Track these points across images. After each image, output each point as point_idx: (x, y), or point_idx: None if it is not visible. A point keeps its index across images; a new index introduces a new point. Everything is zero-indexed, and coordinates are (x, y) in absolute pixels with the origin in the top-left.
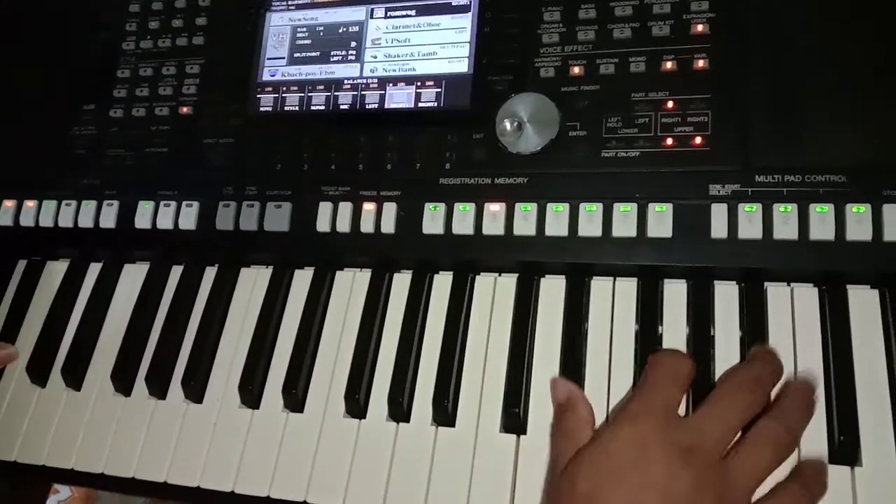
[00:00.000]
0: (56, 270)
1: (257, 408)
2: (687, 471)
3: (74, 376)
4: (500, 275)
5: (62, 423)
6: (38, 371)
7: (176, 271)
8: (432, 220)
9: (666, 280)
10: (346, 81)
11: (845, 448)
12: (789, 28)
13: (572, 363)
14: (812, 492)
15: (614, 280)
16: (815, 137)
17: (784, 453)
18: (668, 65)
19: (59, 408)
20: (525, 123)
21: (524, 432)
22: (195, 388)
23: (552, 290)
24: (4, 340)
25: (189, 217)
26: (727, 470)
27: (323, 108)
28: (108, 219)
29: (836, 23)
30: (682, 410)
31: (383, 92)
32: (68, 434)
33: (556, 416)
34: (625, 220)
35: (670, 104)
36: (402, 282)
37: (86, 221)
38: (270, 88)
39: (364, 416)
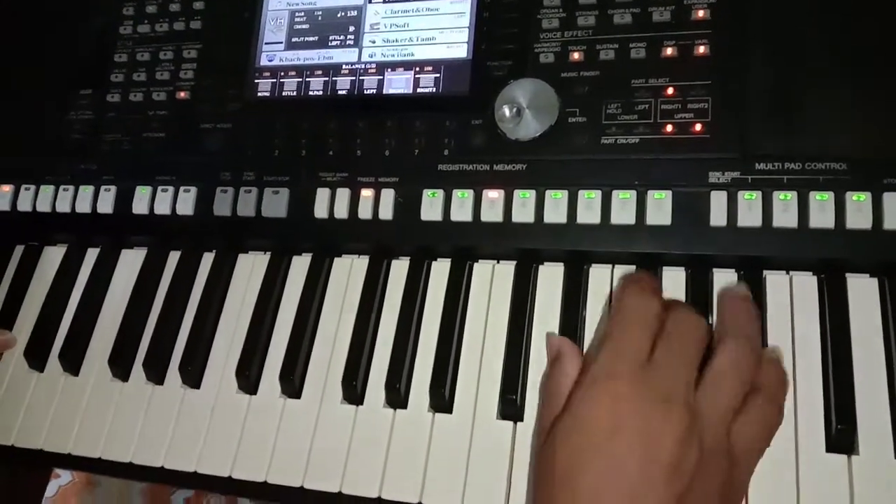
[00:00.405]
0: (53, 256)
1: (255, 393)
2: (668, 425)
3: (72, 361)
4: (498, 262)
5: (60, 408)
6: (36, 356)
7: (173, 257)
8: (430, 206)
9: (665, 268)
10: (344, 66)
11: (842, 436)
12: (791, 14)
13: None
14: (777, 400)
15: (613, 267)
16: (816, 125)
17: (751, 369)
18: (669, 51)
19: (56, 392)
20: (524, 109)
21: (521, 419)
22: (193, 374)
23: (550, 277)
24: (2, 326)
25: (187, 202)
26: (702, 405)
27: (321, 93)
28: (106, 204)
29: (837, 9)
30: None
31: (382, 77)
32: (66, 419)
33: (545, 373)
34: (624, 207)
35: (670, 90)
36: (399, 268)
37: (83, 207)
38: (268, 73)
39: (361, 403)
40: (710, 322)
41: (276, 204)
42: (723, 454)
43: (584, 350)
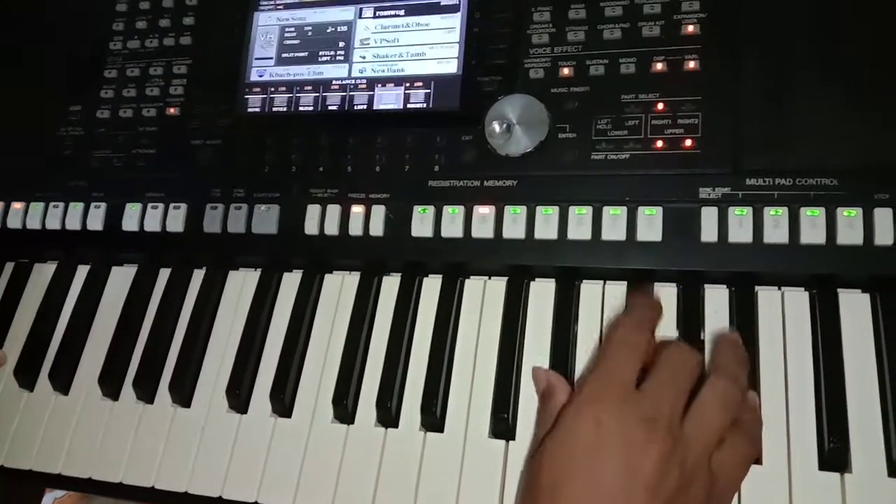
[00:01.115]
0: (44, 273)
1: (245, 412)
2: (651, 445)
3: (62, 381)
4: (489, 278)
5: (50, 428)
6: (26, 375)
7: (164, 274)
8: (421, 222)
9: (656, 284)
10: (334, 82)
11: (835, 454)
12: (781, 30)
13: (562, 367)
14: (755, 435)
15: (604, 284)
16: (807, 140)
17: (736, 407)
18: (659, 66)
19: (46, 412)
20: (514, 125)
21: (513, 438)
22: (183, 393)
23: (542, 293)
24: None
25: (177, 219)
26: (686, 434)
27: (311, 108)
28: (96, 221)
29: (828, 24)
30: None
31: (372, 93)
32: (56, 438)
33: (539, 404)
34: (614, 223)
35: (660, 106)
36: (390, 285)
37: (73, 223)
38: (258, 89)
39: (352, 422)
40: (703, 338)
41: (267, 220)
42: (703, 479)
43: (576, 376)
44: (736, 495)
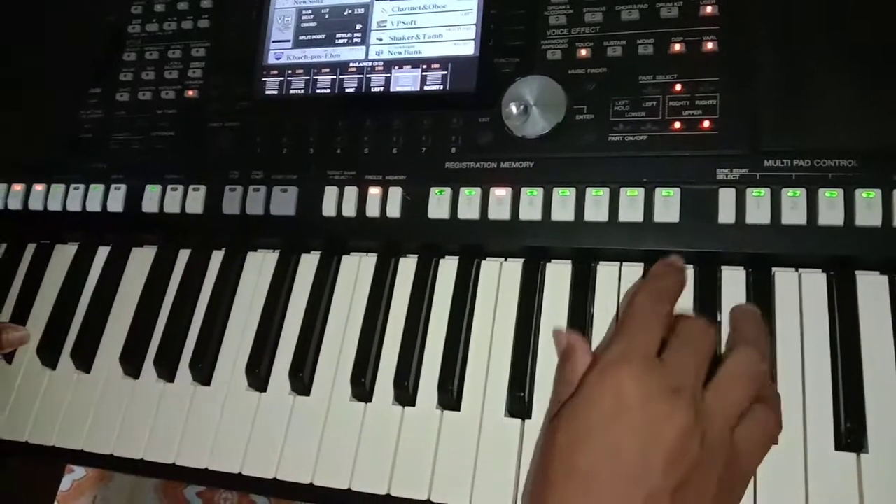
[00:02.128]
0: (65, 253)
1: (265, 391)
2: (673, 416)
3: (84, 359)
4: (505, 259)
5: (72, 405)
6: (49, 354)
7: (183, 255)
8: (438, 204)
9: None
10: (351, 64)
11: (852, 435)
12: (799, 10)
13: None
14: (778, 411)
15: (620, 265)
16: (825, 121)
17: (761, 381)
18: (677, 47)
19: (69, 390)
20: (531, 107)
21: (529, 416)
22: (203, 371)
23: (558, 275)
24: (15, 323)
25: (196, 201)
26: (709, 406)
27: (328, 91)
28: (116, 202)
29: (846, 4)
30: None
31: (389, 75)
32: (78, 416)
33: (558, 365)
34: (631, 204)
35: (678, 87)
36: (407, 266)
37: (94, 205)
38: (276, 72)
39: (370, 400)
40: (719, 319)
41: (285, 202)
42: (724, 453)
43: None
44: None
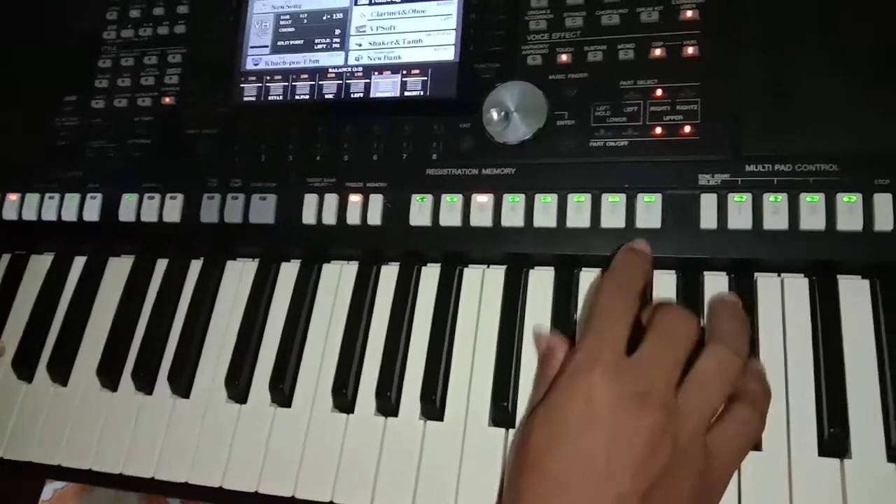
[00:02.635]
0: (41, 264)
1: (245, 402)
2: (642, 421)
3: (60, 372)
4: (488, 266)
5: (49, 419)
6: (24, 366)
7: (161, 264)
8: (419, 211)
9: (655, 271)
10: (330, 70)
11: (835, 440)
12: (780, 15)
13: None
14: (760, 408)
15: (603, 271)
16: (806, 126)
17: (734, 377)
18: (657, 52)
19: (45, 403)
20: (512, 112)
21: (513, 426)
22: (182, 383)
23: (541, 281)
24: None
25: (173, 209)
26: (681, 407)
27: (307, 97)
28: (92, 212)
29: (828, 10)
30: None
31: (368, 80)
32: (56, 430)
33: (537, 368)
34: (613, 210)
35: (659, 92)
36: (389, 274)
37: (69, 215)
38: (254, 78)
39: (352, 411)
40: (703, 325)
41: (264, 210)
42: (697, 455)
43: None
44: (736, 481)
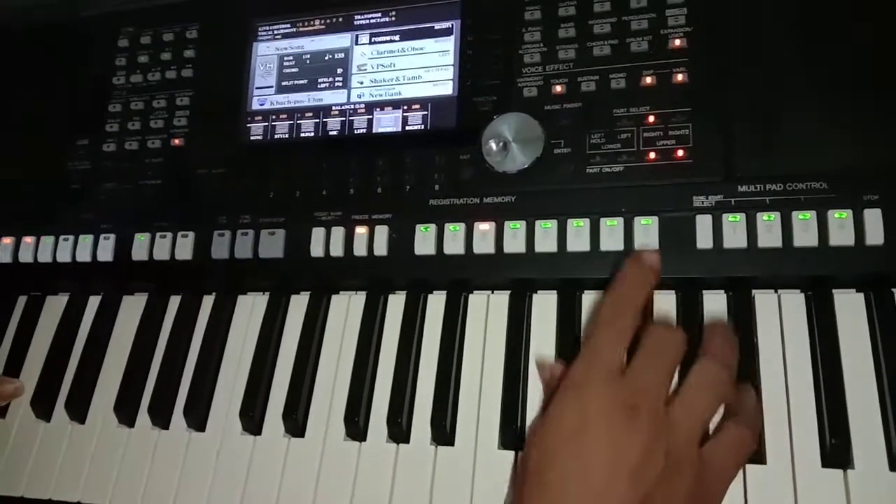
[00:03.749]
0: (56, 304)
1: (259, 434)
2: (634, 432)
3: (78, 410)
4: (492, 292)
5: (68, 457)
6: (42, 405)
7: (174, 301)
8: (424, 241)
9: (655, 291)
10: (334, 108)
11: (837, 451)
12: (766, 39)
13: None
14: (752, 425)
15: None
16: (796, 146)
17: (724, 391)
18: (648, 80)
19: (64, 441)
20: (510, 143)
21: (522, 448)
22: (197, 417)
23: (544, 305)
24: (8, 376)
25: (185, 247)
26: (672, 418)
27: (312, 134)
28: (106, 252)
29: (811, 33)
30: None
31: (371, 117)
32: (74, 467)
33: (543, 395)
34: (612, 234)
35: (652, 118)
36: (396, 303)
37: (83, 255)
38: (260, 117)
39: (364, 439)
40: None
41: (273, 245)
42: (689, 467)
43: None
44: (741, 494)
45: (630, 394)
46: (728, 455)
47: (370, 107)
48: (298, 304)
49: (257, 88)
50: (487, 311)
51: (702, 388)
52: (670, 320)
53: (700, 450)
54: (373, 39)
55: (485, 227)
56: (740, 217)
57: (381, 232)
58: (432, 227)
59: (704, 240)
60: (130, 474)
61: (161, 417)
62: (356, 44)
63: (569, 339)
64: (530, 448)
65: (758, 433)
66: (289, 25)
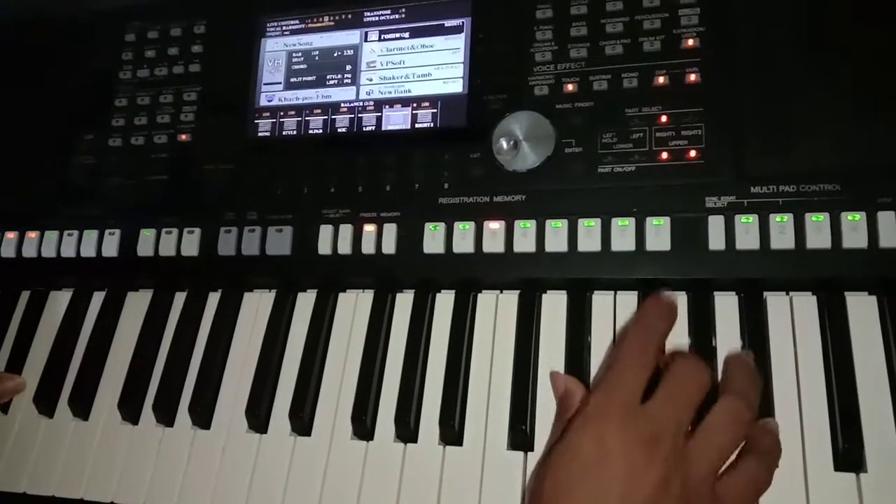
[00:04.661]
0: (60, 300)
1: (265, 432)
2: (651, 464)
3: (81, 406)
4: (501, 292)
5: (71, 453)
6: (45, 402)
7: (179, 298)
8: (433, 239)
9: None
10: (342, 105)
11: (849, 455)
12: (778, 39)
13: (576, 377)
14: (769, 464)
15: (615, 294)
16: (809, 147)
17: (745, 428)
18: (661, 79)
19: (67, 438)
20: (521, 141)
21: (531, 449)
22: (202, 415)
23: (554, 305)
24: (11, 372)
25: (191, 243)
26: (691, 453)
27: (320, 131)
28: (111, 248)
29: (823, 33)
30: None
31: (380, 114)
32: (77, 464)
33: (557, 410)
34: (623, 234)
35: (664, 118)
36: (404, 302)
37: (88, 251)
38: (268, 113)
39: (371, 438)
40: (714, 344)
41: (281, 242)
42: (705, 501)
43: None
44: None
45: (650, 426)
46: (742, 492)
47: (379, 104)
48: (305, 302)
49: (265, 85)
50: (496, 310)
51: (722, 427)
52: (682, 322)
53: (715, 485)
54: (382, 37)
55: (495, 226)
56: (753, 218)
57: (390, 230)
58: (441, 226)
59: (717, 241)
60: (134, 471)
61: (165, 414)
62: (365, 41)
63: (578, 339)
64: (546, 476)
65: (773, 471)
66: (298, 21)
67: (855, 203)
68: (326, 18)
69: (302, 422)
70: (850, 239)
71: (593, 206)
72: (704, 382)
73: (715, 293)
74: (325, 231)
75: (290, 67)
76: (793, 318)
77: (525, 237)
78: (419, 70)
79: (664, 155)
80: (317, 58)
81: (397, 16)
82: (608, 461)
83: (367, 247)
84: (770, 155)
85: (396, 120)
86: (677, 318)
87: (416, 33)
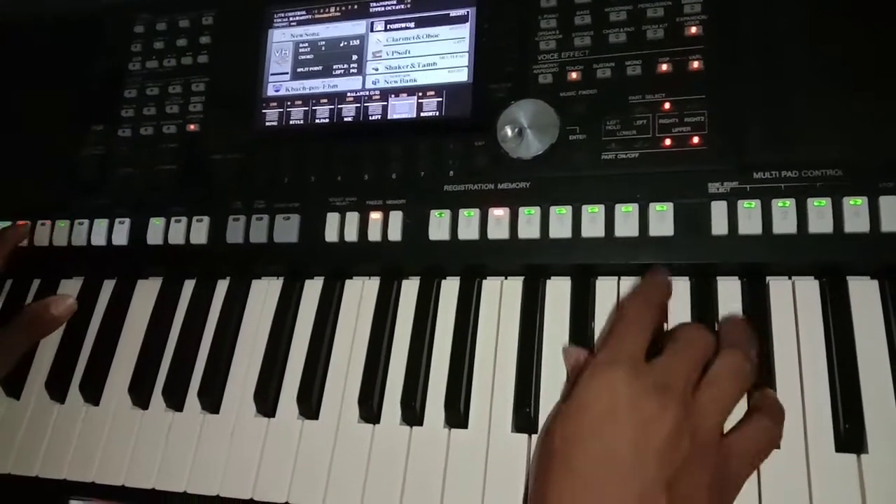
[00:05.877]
0: (70, 288)
1: (273, 416)
2: (662, 413)
3: (92, 392)
4: (506, 278)
5: (82, 438)
6: (57, 387)
7: (189, 285)
8: (438, 226)
9: (670, 277)
10: (348, 94)
11: (851, 436)
12: (781, 26)
13: None
14: (777, 421)
15: (619, 279)
16: (811, 132)
17: (747, 381)
18: (664, 67)
19: (78, 423)
20: (525, 129)
21: (535, 431)
22: (211, 399)
23: (558, 291)
24: (22, 360)
25: (200, 232)
26: (698, 405)
27: (327, 121)
28: (121, 236)
29: (827, 19)
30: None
31: (385, 103)
32: (88, 448)
33: (566, 381)
34: (627, 220)
35: (667, 105)
36: (410, 288)
37: (98, 240)
38: (275, 103)
39: (378, 421)
40: (717, 329)
41: (288, 230)
42: (715, 449)
43: None
44: (755, 479)
45: (660, 376)
46: (752, 444)
47: (385, 93)
48: (313, 289)
49: (272, 75)
50: (501, 296)
51: (726, 377)
52: (684, 307)
53: (724, 437)
54: (388, 26)
55: (499, 213)
56: (755, 203)
57: (396, 217)
58: (447, 213)
59: (719, 226)
60: (144, 455)
61: (175, 399)
62: (371, 31)
63: (582, 324)
64: (555, 431)
65: (782, 428)
66: (304, 12)
67: (857, 188)
68: (333, 9)
69: (309, 406)
70: (853, 223)
71: (597, 193)
72: (709, 342)
73: (718, 278)
74: (332, 219)
75: (297, 58)
76: (795, 302)
77: (529, 224)
78: (424, 59)
79: (667, 142)
80: (323, 48)
81: (403, 6)
82: (619, 412)
83: (374, 234)
84: (772, 141)
85: (402, 109)
86: (671, 292)
87: (421, 23)
